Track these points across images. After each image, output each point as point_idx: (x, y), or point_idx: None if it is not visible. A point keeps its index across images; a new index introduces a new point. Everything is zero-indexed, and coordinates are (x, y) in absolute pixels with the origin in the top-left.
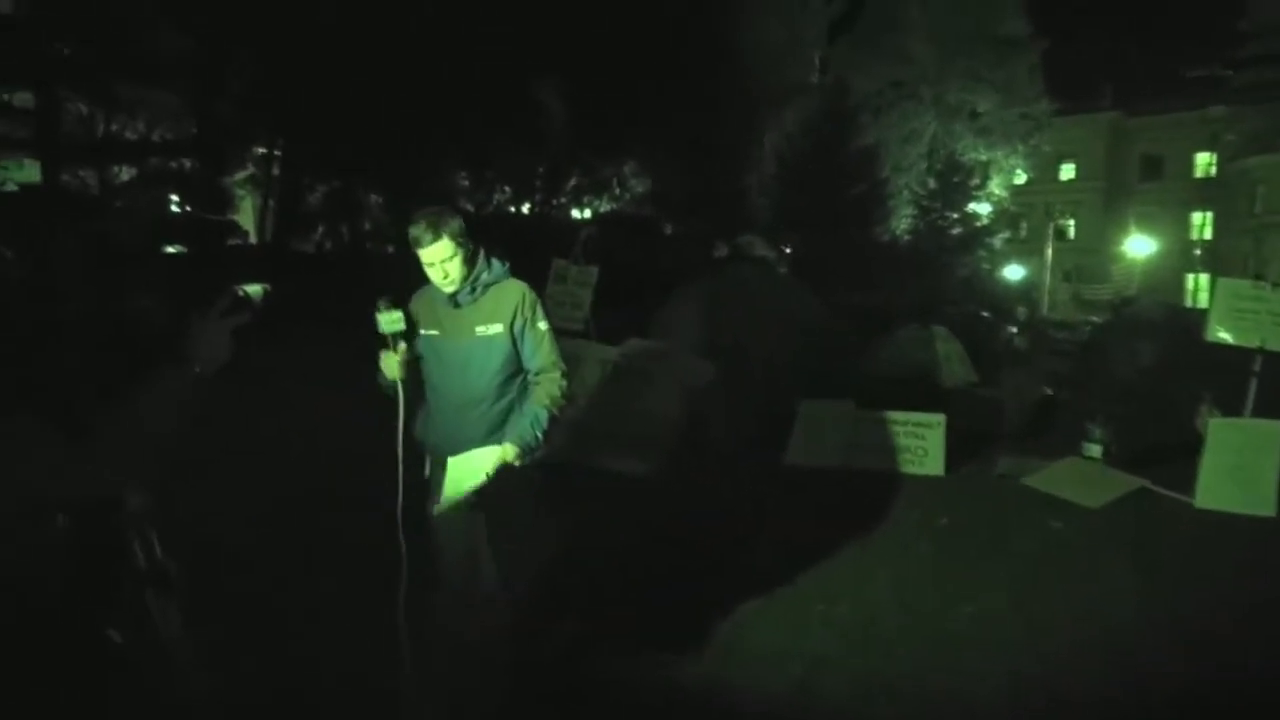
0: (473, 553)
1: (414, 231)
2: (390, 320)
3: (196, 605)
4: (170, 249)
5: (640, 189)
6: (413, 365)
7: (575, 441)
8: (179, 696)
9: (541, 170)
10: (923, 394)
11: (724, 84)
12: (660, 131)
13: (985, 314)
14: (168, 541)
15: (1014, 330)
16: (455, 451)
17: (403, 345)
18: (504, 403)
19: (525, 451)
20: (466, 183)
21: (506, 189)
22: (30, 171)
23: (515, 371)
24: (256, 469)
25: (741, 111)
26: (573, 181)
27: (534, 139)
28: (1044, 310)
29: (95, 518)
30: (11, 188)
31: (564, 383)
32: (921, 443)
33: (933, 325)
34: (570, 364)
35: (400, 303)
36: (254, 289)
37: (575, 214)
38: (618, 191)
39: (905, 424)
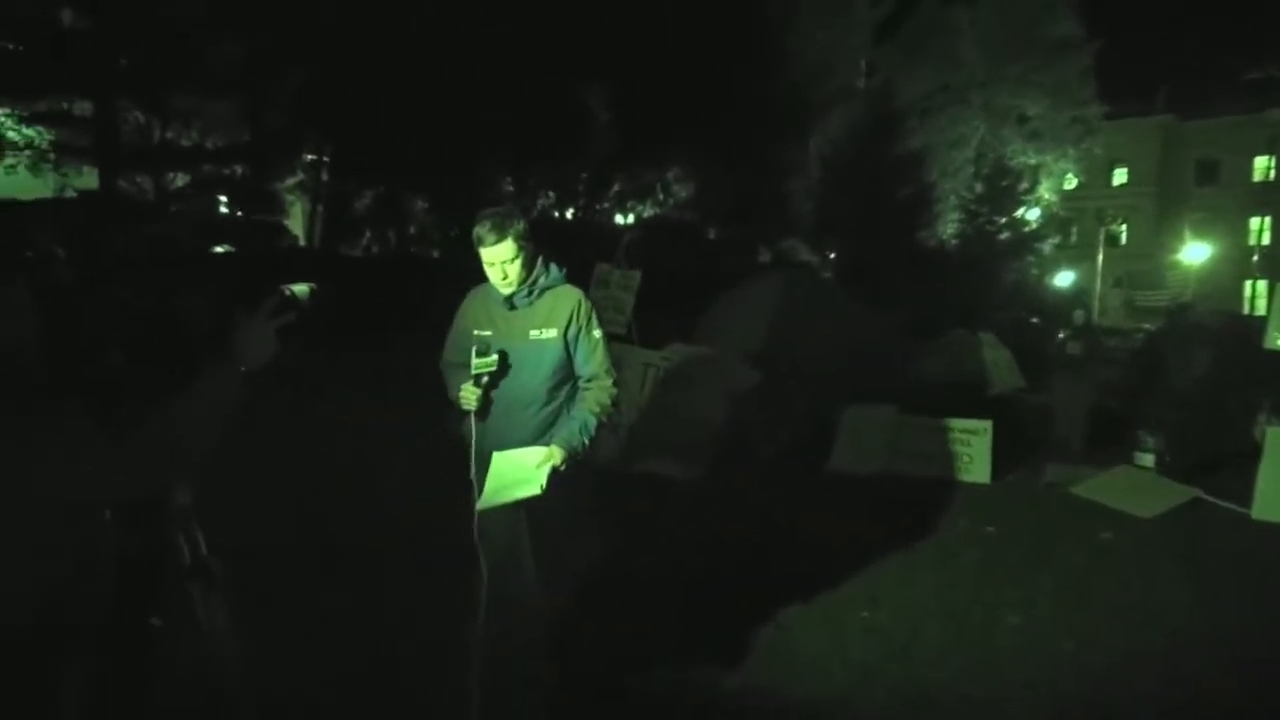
0: (514, 552)
1: (478, 230)
2: (484, 363)
3: (237, 600)
4: (219, 249)
5: (684, 194)
6: (484, 399)
7: (618, 446)
8: (220, 686)
9: (585, 176)
10: (969, 400)
11: (768, 89)
12: (704, 137)
13: (1034, 320)
14: (211, 538)
15: (1065, 335)
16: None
17: (485, 381)
18: (553, 407)
19: (571, 455)
20: (511, 188)
21: (550, 194)
22: (89, 178)
23: (566, 377)
24: (294, 467)
25: (786, 116)
26: (616, 187)
27: (578, 145)
28: (1095, 317)
29: (141, 514)
30: (71, 194)
31: (614, 391)
32: (968, 449)
33: (980, 331)
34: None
35: (492, 350)
36: (300, 289)
37: (619, 219)
38: (661, 197)
39: (951, 430)
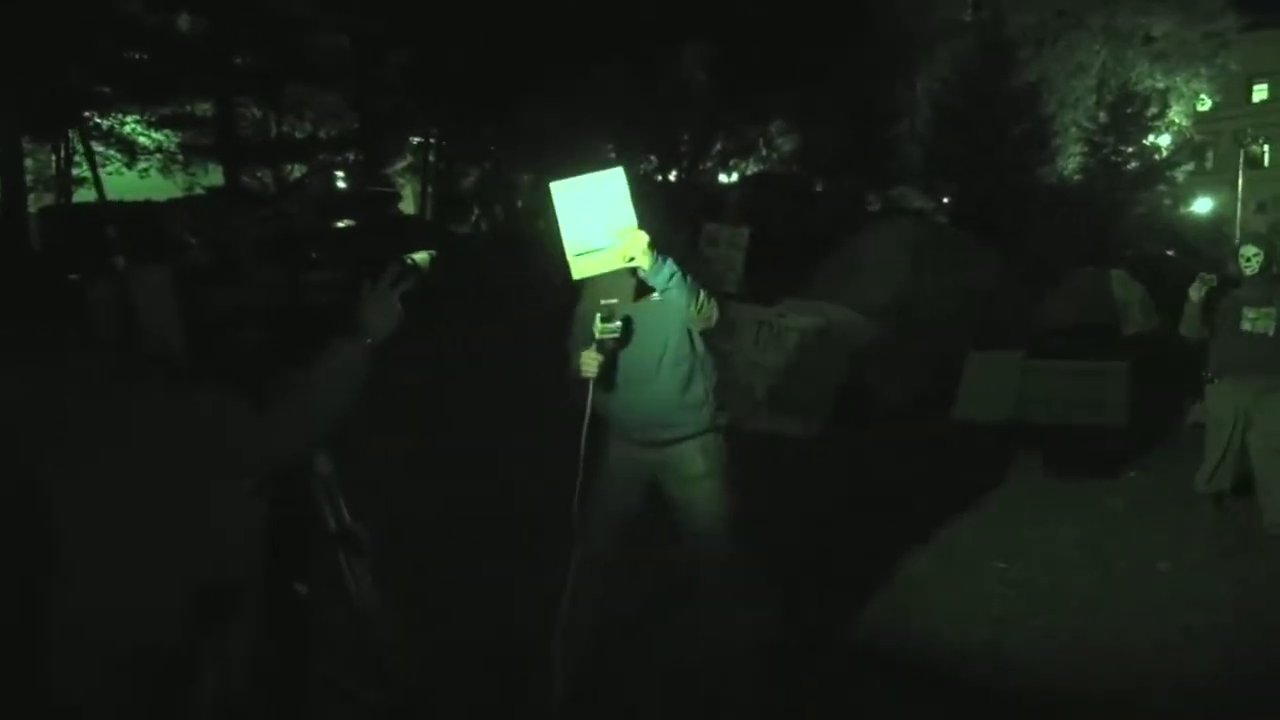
0: (617, 525)
1: None
2: (607, 329)
3: (382, 566)
4: (340, 224)
5: (787, 147)
6: (607, 366)
7: (734, 404)
8: (369, 651)
9: (686, 137)
10: (1102, 342)
11: (869, 29)
12: (805, 85)
13: (1170, 253)
14: (353, 506)
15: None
16: (632, 418)
17: (609, 348)
18: (684, 368)
19: (658, 262)
20: (613, 155)
21: (652, 158)
22: (215, 176)
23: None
24: (414, 435)
25: (889, 57)
26: (718, 146)
27: (679, 105)
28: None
29: (282, 484)
30: (200, 192)
31: (714, 310)
32: (1101, 392)
33: (1110, 268)
34: (726, 327)
35: (617, 317)
36: (421, 256)
37: (722, 178)
38: (764, 152)
39: (1084, 373)
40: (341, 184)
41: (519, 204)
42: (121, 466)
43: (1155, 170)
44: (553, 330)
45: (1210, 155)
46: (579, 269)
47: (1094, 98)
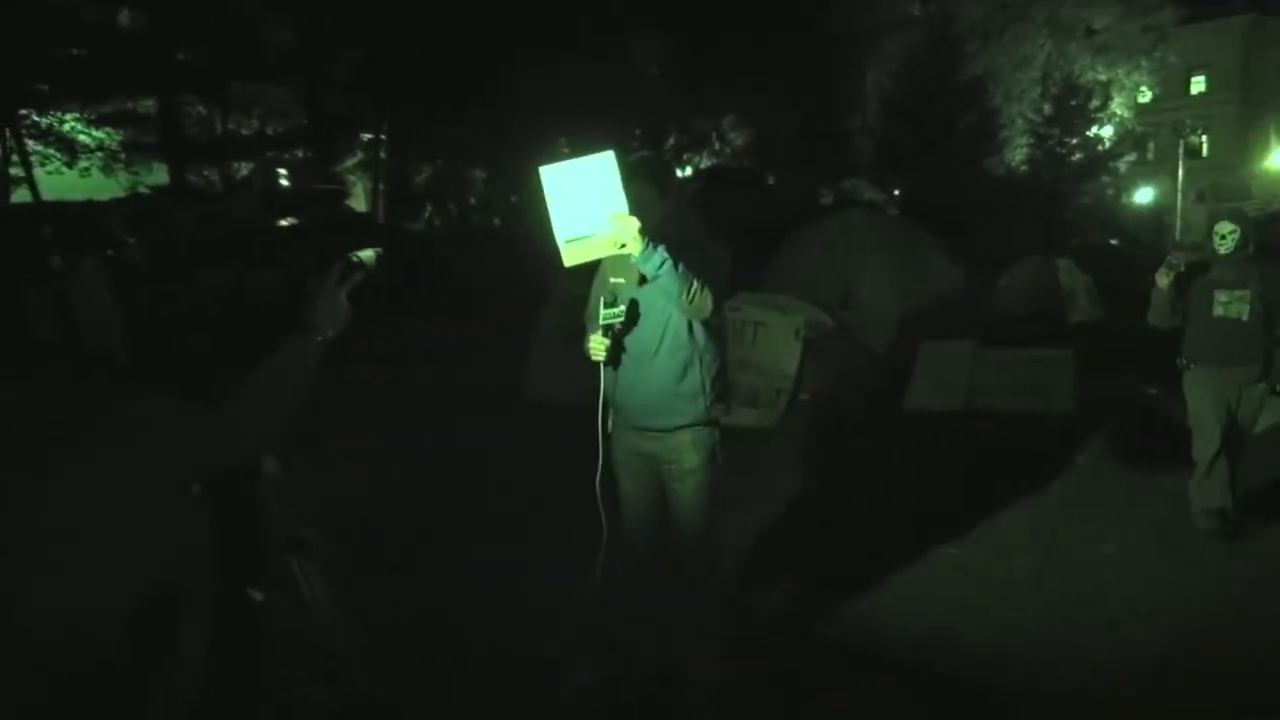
0: (653, 505)
1: None
2: (612, 314)
3: (334, 568)
4: (284, 222)
5: (740, 141)
6: (614, 349)
7: None
8: (325, 656)
9: (639, 131)
10: (1049, 330)
11: (820, 23)
12: (758, 80)
13: (1113, 241)
14: (305, 508)
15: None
16: (631, 403)
17: (615, 331)
18: (683, 355)
19: (648, 248)
20: (567, 150)
21: None
22: (160, 174)
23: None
24: (369, 434)
25: (840, 52)
26: (671, 140)
27: (631, 100)
28: (1177, 234)
29: (234, 486)
30: (144, 191)
31: (709, 303)
32: (1049, 380)
33: (1056, 258)
34: None
35: (620, 300)
36: (367, 254)
37: (676, 172)
38: (717, 146)
39: (1031, 361)
40: (285, 182)
41: (472, 200)
42: (67, 471)
43: (1099, 161)
44: (508, 326)
45: (1151, 146)
46: (570, 255)
47: (1039, 90)
